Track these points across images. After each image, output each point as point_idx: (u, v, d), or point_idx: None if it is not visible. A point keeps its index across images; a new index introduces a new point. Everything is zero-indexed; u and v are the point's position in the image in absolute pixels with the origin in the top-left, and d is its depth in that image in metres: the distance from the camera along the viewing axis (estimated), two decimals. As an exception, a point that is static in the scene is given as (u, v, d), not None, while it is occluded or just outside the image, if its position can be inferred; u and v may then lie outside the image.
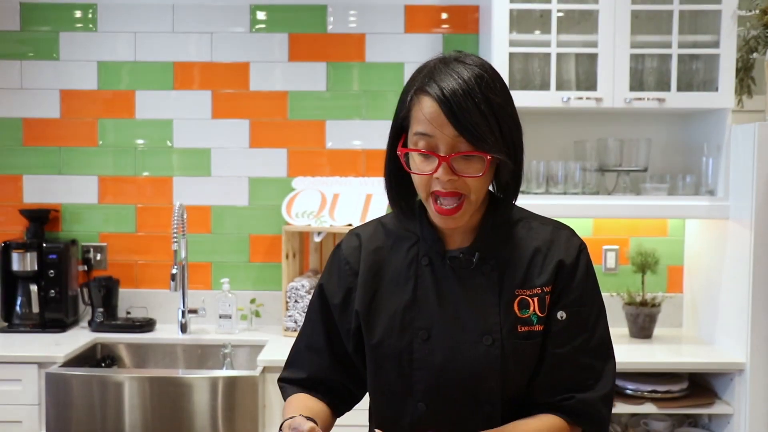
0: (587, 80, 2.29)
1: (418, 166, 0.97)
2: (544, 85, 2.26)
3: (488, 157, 0.94)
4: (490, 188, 1.05)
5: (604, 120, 2.44)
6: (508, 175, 0.99)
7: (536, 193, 2.29)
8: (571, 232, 1.07)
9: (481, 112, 0.92)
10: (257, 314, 2.50)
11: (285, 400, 1.10)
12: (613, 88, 2.17)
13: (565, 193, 2.28)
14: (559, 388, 1.01)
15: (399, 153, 0.99)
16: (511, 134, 0.97)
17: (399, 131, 1.01)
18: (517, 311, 1.00)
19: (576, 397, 1.00)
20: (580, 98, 2.18)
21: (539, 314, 1.00)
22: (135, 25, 2.57)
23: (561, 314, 1.01)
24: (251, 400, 2.01)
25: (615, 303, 2.42)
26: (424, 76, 0.96)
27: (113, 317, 2.47)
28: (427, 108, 0.94)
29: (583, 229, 2.49)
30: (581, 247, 1.05)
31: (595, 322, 1.03)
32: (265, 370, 2.09)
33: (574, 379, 1.01)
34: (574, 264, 1.03)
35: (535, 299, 1.00)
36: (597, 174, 2.34)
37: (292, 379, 1.12)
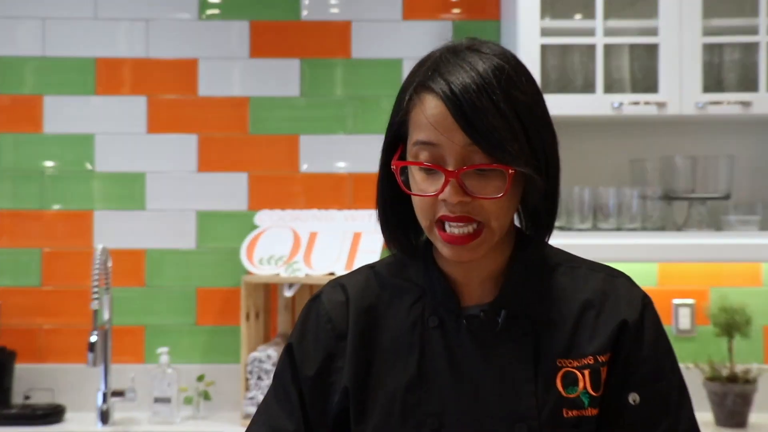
0: (646, 79, 2.18)
1: (420, 185, 0.94)
2: (588, 87, 2.16)
3: (510, 170, 0.90)
4: (516, 222, 1.02)
5: (669, 132, 2.32)
6: (539, 198, 0.95)
7: (580, 230, 2.18)
8: (630, 281, 1.03)
9: (501, 113, 0.90)
10: (207, 396, 2.35)
11: None
12: (681, 88, 2.09)
13: (618, 229, 2.17)
14: None
15: (394, 168, 0.96)
16: (542, 141, 0.94)
17: (395, 141, 0.98)
18: (561, 389, 0.96)
19: None
20: (637, 103, 2.10)
21: (592, 393, 0.96)
22: (44, 9, 2.44)
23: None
24: None
25: (693, 378, 2.19)
26: (428, 69, 0.94)
27: (5, 404, 2.32)
28: (430, 109, 0.92)
29: (644, 277, 2.34)
30: (645, 301, 1.00)
31: (679, 401, 0.98)
32: (214, 478, 2.05)
33: None
34: (638, 324, 0.98)
35: (586, 372, 0.96)
36: (661, 203, 2.23)
37: None
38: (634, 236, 2.14)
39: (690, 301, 2.40)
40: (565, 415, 0.95)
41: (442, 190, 0.92)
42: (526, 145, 0.92)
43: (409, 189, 0.96)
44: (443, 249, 0.96)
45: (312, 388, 1.03)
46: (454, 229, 0.94)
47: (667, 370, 0.99)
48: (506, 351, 0.98)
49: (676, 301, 2.39)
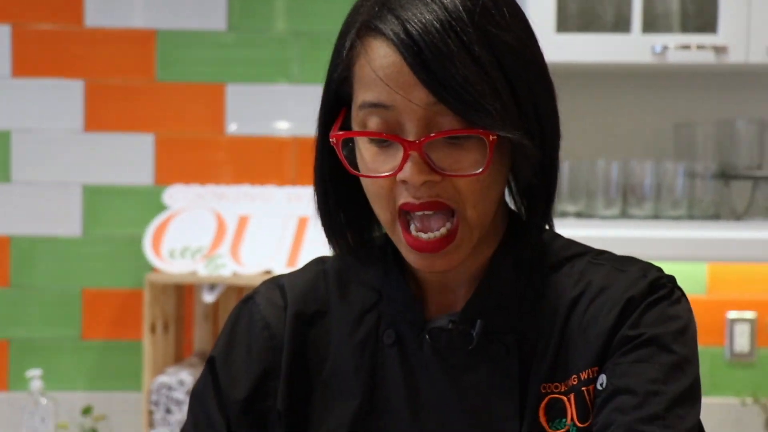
0: (700, 15, 2.18)
1: (370, 163, 0.92)
2: (621, 24, 2.14)
3: (492, 137, 0.89)
4: (508, 203, 1.00)
5: (729, 87, 2.31)
6: (533, 172, 0.94)
7: (604, 218, 2.15)
8: (646, 270, 0.97)
9: (476, 60, 0.88)
10: (95, 436, 2.20)
11: None
12: (748, 29, 2.09)
13: (656, 217, 2.17)
14: None
15: (333, 142, 0.94)
16: (533, 96, 0.92)
17: (335, 105, 0.96)
18: (545, 424, 0.95)
19: None
20: (687, 47, 2.09)
21: (579, 425, 0.94)
22: None
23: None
24: None
25: (751, 417, 2.23)
26: (374, 4, 0.92)
27: None
28: (379, 59, 0.90)
29: (689, 281, 2.32)
30: (661, 282, 0.95)
31: (672, 369, 0.93)
32: None
33: None
34: (640, 299, 0.94)
35: (572, 397, 0.95)
36: (716, 183, 2.20)
37: None
38: (678, 227, 2.14)
39: (750, 314, 2.38)
40: None
41: (400, 169, 0.90)
42: (512, 101, 0.91)
43: (357, 169, 0.94)
44: (409, 256, 0.95)
45: (242, 414, 1.01)
46: (421, 233, 0.93)
47: (660, 350, 0.92)
48: (483, 376, 0.97)
49: (732, 314, 2.37)
